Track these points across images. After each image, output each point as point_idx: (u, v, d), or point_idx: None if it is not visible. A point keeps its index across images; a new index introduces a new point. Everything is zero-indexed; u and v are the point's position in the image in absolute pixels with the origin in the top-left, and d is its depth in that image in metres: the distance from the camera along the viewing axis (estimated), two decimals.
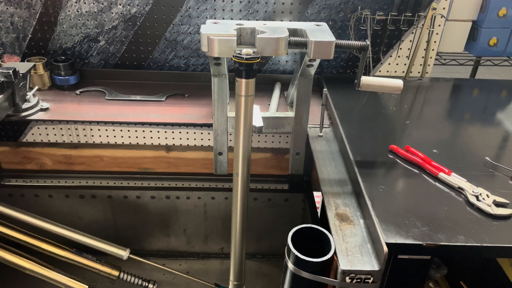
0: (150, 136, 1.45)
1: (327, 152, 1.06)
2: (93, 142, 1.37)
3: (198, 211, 1.52)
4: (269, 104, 1.26)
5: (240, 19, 1.31)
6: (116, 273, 1.42)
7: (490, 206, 0.82)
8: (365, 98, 1.26)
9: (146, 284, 1.45)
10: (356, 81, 0.91)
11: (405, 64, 1.42)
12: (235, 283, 1.02)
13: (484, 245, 0.74)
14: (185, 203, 1.50)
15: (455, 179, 0.89)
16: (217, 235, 1.58)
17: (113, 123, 1.33)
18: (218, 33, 0.81)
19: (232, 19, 1.32)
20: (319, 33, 0.88)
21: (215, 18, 1.32)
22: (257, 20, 1.32)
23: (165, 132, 1.46)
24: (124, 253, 1.40)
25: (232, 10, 1.30)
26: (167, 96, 1.28)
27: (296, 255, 0.77)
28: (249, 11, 1.31)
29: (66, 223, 1.35)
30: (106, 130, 1.37)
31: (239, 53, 0.79)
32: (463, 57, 1.56)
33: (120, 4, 1.31)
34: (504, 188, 0.87)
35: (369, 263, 0.75)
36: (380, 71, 1.45)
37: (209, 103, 1.26)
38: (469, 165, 0.95)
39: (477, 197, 0.84)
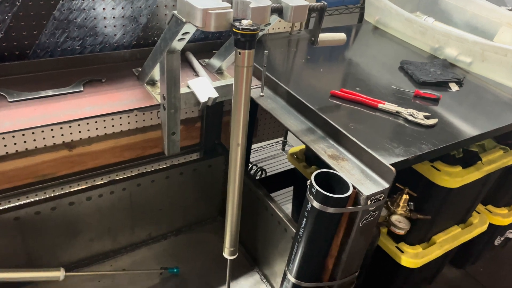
0: (43, 137, 1.25)
1: (279, 108, 1.16)
2: None
3: (123, 203, 1.41)
4: (194, 74, 1.24)
5: None
6: None
7: (423, 119, 1.09)
8: (277, 58, 1.39)
9: None
10: (312, 39, 1.02)
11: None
12: (231, 249, 1.06)
13: (438, 147, 1.00)
14: (109, 199, 1.37)
15: (391, 106, 1.12)
16: (144, 222, 1.51)
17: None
18: (214, 7, 0.78)
19: None
20: None
21: None
22: None
23: (69, 127, 1.28)
24: (59, 274, 1.22)
25: None
26: (83, 84, 1.11)
27: (324, 194, 0.87)
28: None
29: None
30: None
31: (240, 25, 0.80)
32: None
33: None
34: (414, 105, 1.16)
35: (380, 185, 0.92)
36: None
37: (131, 86, 1.16)
38: (387, 94, 1.21)
39: (412, 115, 1.10)
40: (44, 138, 1.27)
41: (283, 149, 2.53)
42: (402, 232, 1.19)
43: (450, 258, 1.74)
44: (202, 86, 1.10)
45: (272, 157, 2.47)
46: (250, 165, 2.17)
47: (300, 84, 1.23)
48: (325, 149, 1.01)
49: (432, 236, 1.46)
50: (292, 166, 1.71)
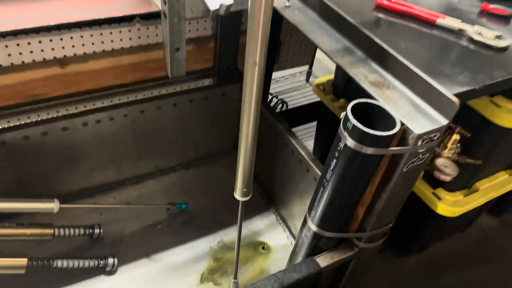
0: (30, 50, 1.07)
1: (309, 22, 0.93)
2: None
3: (126, 131, 1.25)
4: None
5: None
6: (50, 231, 1.12)
7: (494, 40, 0.85)
8: None
9: (90, 231, 1.20)
10: None
11: None
12: (244, 190, 0.90)
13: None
14: (109, 126, 1.20)
15: (452, 22, 0.88)
16: (150, 153, 1.36)
17: None
18: None
19: None
20: None
21: None
22: None
23: (60, 39, 1.09)
24: (53, 206, 1.10)
25: None
26: None
27: (363, 130, 0.68)
28: None
29: None
30: None
31: None
32: None
33: None
34: (479, 23, 0.91)
35: (435, 121, 0.72)
36: None
37: None
38: (446, 7, 0.96)
39: (479, 34, 0.86)
40: (32, 52, 1.08)
41: (307, 81, 2.30)
42: (448, 179, 1.00)
43: (489, 206, 1.57)
44: None
45: (294, 88, 2.26)
46: (270, 97, 1.97)
47: None
48: (366, 74, 0.80)
49: (476, 182, 1.27)
50: (317, 99, 1.50)
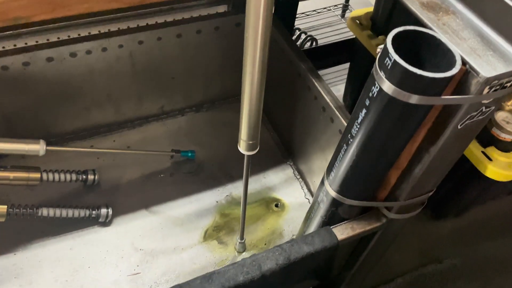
0: None
1: None
2: None
3: (122, 65, 1.08)
4: None
5: None
6: (36, 175, 0.99)
7: None
8: None
9: (84, 177, 1.07)
10: None
11: None
12: (250, 142, 0.72)
13: None
14: (102, 57, 1.04)
15: None
16: (152, 92, 1.19)
17: None
18: None
19: None
20: None
21: None
22: None
23: None
24: (38, 147, 0.96)
25: None
26: None
27: (407, 69, 0.48)
28: None
29: None
30: None
31: None
32: None
33: None
34: None
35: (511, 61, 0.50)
36: None
37: None
38: None
39: None
40: None
41: (343, 16, 2.03)
42: (509, 138, 0.79)
43: None
44: None
45: (328, 24, 2.00)
46: (298, 32, 1.73)
47: None
48: None
49: None
50: (352, 36, 1.27)
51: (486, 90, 0.50)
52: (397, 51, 0.49)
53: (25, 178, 0.99)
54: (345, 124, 0.89)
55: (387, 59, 0.50)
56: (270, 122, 1.27)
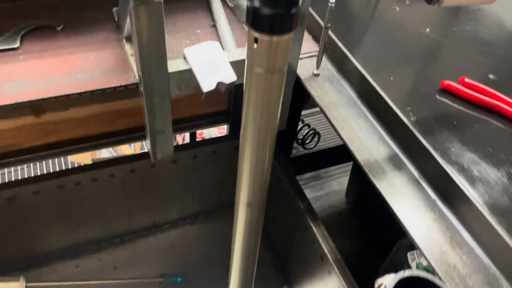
0: None
1: (342, 103, 0.66)
2: None
3: (113, 189, 1.03)
4: (211, 25, 0.76)
5: None
6: None
7: None
8: (351, 6, 0.83)
9: None
10: None
11: None
12: None
13: None
14: (91, 186, 0.99)
15: None
16: (143, 209, 1.14)
17: None
18: None
19: None
20: None
21: None
22: None
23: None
24: (17, 285, 0.91)
25: None
26: (23, 34, 0.68)
27: None
28: None
29: None
30: None
31: None
32: None
33: None
34: None
35: None
36: None
37: (103, 41, 0.71)
38: None
39: None
40: None
41: None
42: None
43: None
44: (209, 60, 0.62)
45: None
46: (301, 124, 1.69)
47: (386, 61, 0.70)
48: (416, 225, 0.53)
49: None
50: None
51: None
52: None
53: None
54: (344, 284, 0.83)
55: None
56: (268, 241, 1.22)
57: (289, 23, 0.33)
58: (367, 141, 0.61)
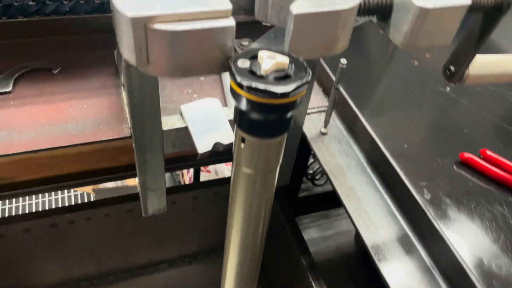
0: None
1: (350, 169, 0.61)
2: None
3: (108, 228, 0.99)
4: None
5: None
6: None
7: None
8: (365, 63, 0.79)
9: None
10: (451, 67, 0.43)
11: None
12: None
13: None
14: (85, 225, 0.95)
15: None
16: (140, 247, 1.10)
17: None
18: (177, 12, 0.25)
19: None
20: None
21: None
22: None
23: None
24: None
25: None
26: (16, 77, 0.64)
27: None
28: None
29: None
30: None
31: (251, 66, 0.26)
32: None
33: None
34: None
35: None
36: None
37: (101, 87, 0.67)
38: None
39: None
40: None
41: None
42: None
43: None
44: (207, 119, 0.57)
45: None
46: (311, 161, 1.63)
47: (400, 125, 0.65)
48: None
49: None
50: None
51: None
52: None
53: None
54: None
55: None
56: (270, 278, 1.15)
57: (284, 127, 0.28)
58: (375, 217, 0.55)
